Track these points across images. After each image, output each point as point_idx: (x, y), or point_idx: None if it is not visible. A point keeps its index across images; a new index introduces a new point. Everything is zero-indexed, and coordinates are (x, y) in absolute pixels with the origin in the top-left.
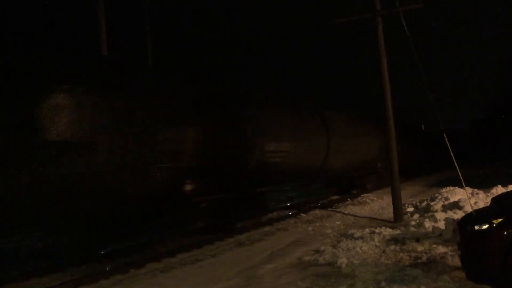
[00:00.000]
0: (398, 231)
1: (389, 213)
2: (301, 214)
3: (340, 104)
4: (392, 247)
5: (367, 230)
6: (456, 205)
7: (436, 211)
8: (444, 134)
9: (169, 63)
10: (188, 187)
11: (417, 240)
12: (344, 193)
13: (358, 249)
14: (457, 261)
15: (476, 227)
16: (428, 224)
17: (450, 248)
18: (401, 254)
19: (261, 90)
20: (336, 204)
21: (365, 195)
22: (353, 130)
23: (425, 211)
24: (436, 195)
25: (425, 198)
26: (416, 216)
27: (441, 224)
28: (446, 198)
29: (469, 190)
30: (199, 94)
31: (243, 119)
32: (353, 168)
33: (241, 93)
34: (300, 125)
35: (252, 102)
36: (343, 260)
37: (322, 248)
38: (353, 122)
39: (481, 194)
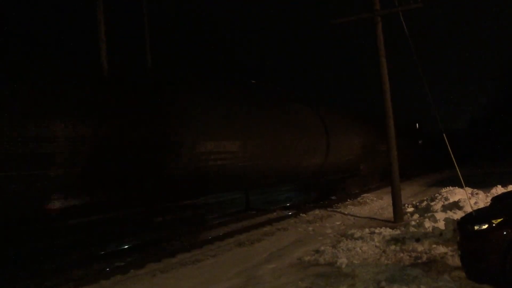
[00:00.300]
0: (398, 231)
1: (389, 213)
2: (301, 214)
3: (320, 99)
4: (392, 247)
5: (367, 230)
6: (456, 205)
7: (436, 211)
8: (444, 134)
9: (169, 63)
10: (59, 204)
11: (417, 240)
12: (321, 200)
13: (358, 249)
14: (457, 261)
15: (476, 227)
16: (428, 224)
17: (450, 248)
18: (401, 254)
19: (194, 77)
20: (336, 204)
21: (365, 195)
22: (341, 127)
23: (425, 211)
24: (436, 195)
25: (425, 198)
26: (416, 216)
27: (441, 224)
28: (446, 198)
29: (469, 190)
30: (86, 79)
31: (164, 112)
32: (333, 171)
33: (164, 79)
34: (260, 121)
35: (178, 90)
36: (343, 260)
37: (322, 248)
38: (337, 117)
39: (481, 194)
